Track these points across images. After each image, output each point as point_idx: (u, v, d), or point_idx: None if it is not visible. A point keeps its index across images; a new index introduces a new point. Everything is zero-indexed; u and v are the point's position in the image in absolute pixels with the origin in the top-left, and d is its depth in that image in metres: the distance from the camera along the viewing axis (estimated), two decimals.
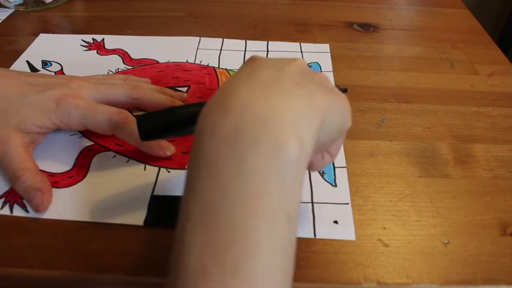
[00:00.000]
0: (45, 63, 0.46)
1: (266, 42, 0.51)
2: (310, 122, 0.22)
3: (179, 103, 0.39)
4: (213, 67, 0.47)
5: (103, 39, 0.51)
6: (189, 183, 0.22)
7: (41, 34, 0.51)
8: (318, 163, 0.28)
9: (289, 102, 0.21)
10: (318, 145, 0.24)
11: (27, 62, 0.46)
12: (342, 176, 0.35)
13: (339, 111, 0.25)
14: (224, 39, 0.51)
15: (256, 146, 0.20)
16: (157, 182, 0.33)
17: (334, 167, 0.35)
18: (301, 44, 0.52)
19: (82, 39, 0.51)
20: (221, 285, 0.18)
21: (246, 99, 0.21)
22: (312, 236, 0.30)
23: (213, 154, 0.20)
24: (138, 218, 0.31)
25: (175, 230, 0.21)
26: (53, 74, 0.45)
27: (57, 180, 0.33)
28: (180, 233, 0.20)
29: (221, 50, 0.50)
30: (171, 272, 0.20)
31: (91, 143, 0.37)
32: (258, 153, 0.20)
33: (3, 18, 0.55)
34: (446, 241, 0.30)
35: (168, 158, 0.35)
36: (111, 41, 0.51)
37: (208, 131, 0.21)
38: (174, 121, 0.29)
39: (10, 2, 0.57)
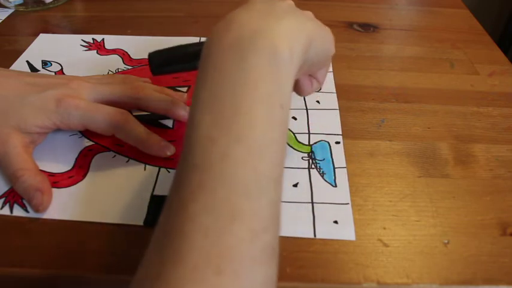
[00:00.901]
0: (45, 63, 0.46)
1: None
2: (299, 39, 0.26)
3: (179, 103, 0.39)
4: None
5: (103, 39, 0.51)
6: (198, 83, 0.25)
7: (41, 34, 0.51)
8: (307, 88, 0.33)
9: (281, 22, 0.26)
10: (306, 64, 0.28)
11: (27, 62, 0.46)
12: (342, 176, 0.35)
13: (323, 37, 0.30)
14: None
15: (254, 49, 0.24)
16: (157, 182, 0.33)
17: (334, 167, 0.35)
18: None
19: (82, 39, 0.51)
20: (226, 148, 0.22)
21: (245, 19, 0.26)
22: (312, 236, 0.30)
23: (218, 57, 0.25)
24: (138, 218, 0.31)
25: (188, 122, 0.24)
26: (53, 74, 0.45)
27: (57, 180, 0.33)
28: (191, 118, 0.24)
29: None
30: (182, 155, 0.23)
31: (91, 143, 0.37)
32: (257, 54, 0.24)
33: (3, 18, 0.55)
34: (446, 241, 0.30)
35: (168, 158, 0.35)
36: (111, 41, 0.51)
37: (214, 41, 0.26)
38: (182, 55, 0.33)
39: (10, 2, 0.57)
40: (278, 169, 0.23)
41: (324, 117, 0.40)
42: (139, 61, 0.47)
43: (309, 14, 0.31)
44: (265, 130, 0.23)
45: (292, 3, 0.29)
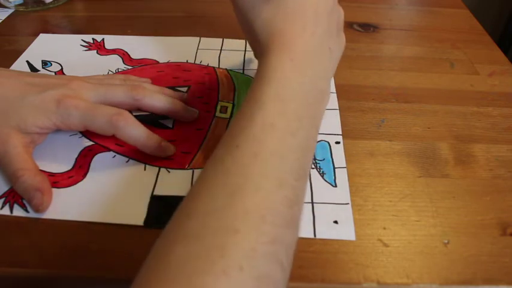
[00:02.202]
0: (45, 63, 0.46)
1: None
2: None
3: (179, 103, 0.39)
4: (213, 67, 0.47)
5: (103, 39, 0.51)
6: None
7: (41, 34, 0.51)
8: None
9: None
10: None
11: (27, 62, 0.46)
12: (342, 176, 0.35)
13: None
14: (224, 39, 0.51)
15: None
16: (157, 182, 0.34)
17: (334, 167, 0.35)
18: None
19: (82, 39, 0.51)
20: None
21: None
22: (312, 236, 0.30)
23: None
24: (138, 218, 0.31)
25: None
26: (53, 74, 0.45)
27: (57, 180, 0.33)
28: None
29: (221, 50, 0.50)
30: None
31: (91, 143, 0.37)
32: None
33: (3, 18, 0.55)
34: (446, 241, 0.30)
35: (168, 158, 0.35)
36: (111, 41, 0.51)
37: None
38: None
39: (10, 2, 0.57)
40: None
41: (324, 117, 0.40)
42: (139, 61, 0.47)
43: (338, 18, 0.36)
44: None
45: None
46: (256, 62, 0.48)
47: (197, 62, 0.47)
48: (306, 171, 0.27)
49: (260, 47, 0.32)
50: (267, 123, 0.26)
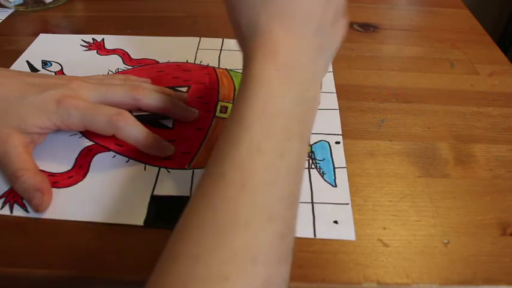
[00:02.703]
0: (45, 63, 0.46)
1: None
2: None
3: (179, 103, 0.39)
4: (213, 67, 0.47)
5: (103, 39, 0.51)
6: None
7: (41, 34, 0.51)
8: None
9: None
10: None
11: (27, 62, 0.46)
12: (342, 176, 0.35)
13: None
14: (224, 39, 0.51)
15: None
16: (157, 182, 0.34)
17: (334, 167, 0.35)
18: None
19: (82, 39, 0.51)
20: (272, 161, 0.25)
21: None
22: (312, 236, 0.30)
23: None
24: (138, 218, 0.31)
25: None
26: (53, 74, 0.45)
27: (57, 180, 0.33)
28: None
29: (221, 50, 0.50)
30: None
31: (91, 143, 0.37)
32: None
33: (3, 18, 0.55)
34: (446, 241, 0.30)
35: (168, 158, 0.35)
36: (111, 41, 0.51)
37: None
38: None
39: (10, 2, 0.57)
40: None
41: (324, 117, 0.40)
42: (139, 61, 0.47)
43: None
44: None
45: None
46: None
47: (197, 62, 0.47)
48: (297, 196, 0.26)
49: (244, 45, 0.30)
50: (253, 147, 0.24)
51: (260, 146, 0.24)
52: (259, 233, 0.22)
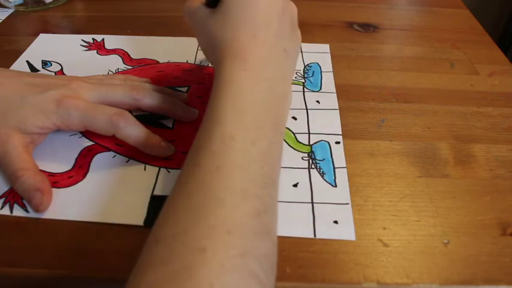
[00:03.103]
0: (45, 63, 0.46)
1: None
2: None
3: (179, 103, 0.39)
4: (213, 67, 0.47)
5: (103, 39, 0.51)
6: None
7: (41, 34, 0.51)
8: None
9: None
10: None
11: (27, 62, 0.46)
12: (342, 176, 0.35)
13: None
14: None
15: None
16: (157, 182, 0.34)
17: (334, 167, 0.35)
18: (301, 44, 0.52)
19: (82, 39, 0.51)
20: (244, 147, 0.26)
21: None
22: (312, 236, 0.30)
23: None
24: (138, 218, 0.31)
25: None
26: (53, 74, 0.45)
27: (57, 180, 0.33)
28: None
29: None
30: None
31: (91, 143, 0.37)
32: None
33: (3, 18, 0.55)
34: (446, 241, 0.30)
35: (168, 158, 0.35)
36: (111, 41, 0.51)
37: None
38: None
39: (10, 2, 0.57)
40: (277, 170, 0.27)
41: (324, 117, 0.40)
42: (139, 61, 0.47)
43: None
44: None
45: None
46: None
47: (197, 62, 0.47)
48: (274, 178, 0.27)
49: (214, 57, 0.32)
50: (226, 136, 0.26)
51: (232, 135, 0.26)
52: (234, 209, 0.23)
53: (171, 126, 0.39)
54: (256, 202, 0.24)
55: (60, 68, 0.46)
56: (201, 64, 0.47)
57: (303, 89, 0.44)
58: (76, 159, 0.35)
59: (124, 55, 0.48)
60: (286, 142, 0.37)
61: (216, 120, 0.27)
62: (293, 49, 0.35)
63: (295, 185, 0.34)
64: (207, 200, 0.23)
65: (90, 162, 0.35)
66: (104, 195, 0.32)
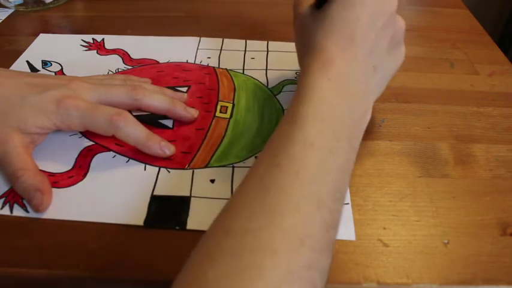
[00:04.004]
0: (45, 63, 0.46)
1: (266, 42, 0.51)
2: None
3: (179, 103, 0.39)
4: (213, 67, 0.47)
5: (103, 39, 0.51)
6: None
7: (41, 34, 0.51)
8: None
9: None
10: None
11: (27, 62, 0.46)
12: None
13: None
14: (224, 39, 0.51)
15: None
16: (157, 182, 0.33)
17: None
18: None
19: (82, 39, 0.51)
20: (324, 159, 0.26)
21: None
22: None
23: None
24: (138, 218, 0.31)
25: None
26: (53, 74, 0.45)
27: (57, 180, 0.33)
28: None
29: (221, 50, 0.50)
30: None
31: (91, 143, 0.37)
32: None
33: (3, 18, 0.55)
34: (446, 241, 0.30)
35: (168, 158, 0.35)
36: (111, 41, 0.51)
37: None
38: None
39: (10, 2, 0.57)
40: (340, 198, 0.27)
41: None
42: (139, 61, 0.47)
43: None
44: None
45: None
46: (256, 61, 0.48)
47: (197, 62, 0.47)
48: (343, 194, 0.27)
49: (304, 59, 0.32)
50: (307, 142, 0.26)
51: (313, 142, 0.26)
52: (309, 218, 0.23)
53: (171, 126, 0.39)
54: (328, 216, 0.24)
55: (60, 68, 0.46)
56: (201, 64, 0.47)
57: None
58: (76, 159, 0.35)
59: (124, 55, 0.48)
60: None
61: (298, 125, 0.27)
62: (385, 67, 0.34)
63: None
64: (283, 203, 0.23)
65: (90, 162, 0.35)
66: (104, 195, 0.32)
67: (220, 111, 0.40)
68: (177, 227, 0.30)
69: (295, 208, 0.23)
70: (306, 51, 0.32)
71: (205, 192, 0.33)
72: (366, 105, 0.31)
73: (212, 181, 0.34)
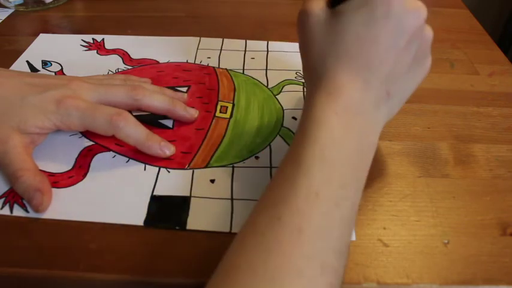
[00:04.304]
0: (45, 63, 0.46)
1: (266, 42, 0.51)
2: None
3: (179, 103, 0.39)
4: (213, 67, 0.47)
5: (103, 39, 0.51)
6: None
7: (41, 34, 0.51)
8: None
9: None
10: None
11: (27, 62, 0.46)
12: None
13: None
14: (224, 39, 0.51)
15: None
16: (157, 182, 0.33)
17: None
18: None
19: (82, 39, 0.51)
20: (330, 210, 0.24)
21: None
22: None
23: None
24: (138, 218, 0.31)
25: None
26: (53, 74, 0.45)
27: (57, 180, 0.33)
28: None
29: (221, 50, 0.50)
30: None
31: (91, 143, 0.37)
32: None
33: (3, 18, 0.55)
34: (446, 241, 0.30)
35: (168, 158, 0.35)
36: (111, 41, 0.51)
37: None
38: None
39: (10, 2, 0.57)
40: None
41: None
42: (139, 61, 0.47)
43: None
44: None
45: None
46: (256, 61, 0.48)
47: (197, 62, 0.47)
48: (348, 245, 0.25)
49: (309, 82, 0.29)
50: (311, 192, 0.24)
51: (318, 192, 0.24)
52: (311, 284, 0.22)
53: (171, 126, 0.39)
54: (332, 276, 0.23)
55: (60, 68, 0.46)
56: (201, 64, 0.47)
57: (303, 89, 0.44)
58: (76, 159, 0.35)
59: (124, 55, 0.48)
60: (286, 142, 0.37)
61: (302, 170, 0.24)
62: (403, 88, 0.30)
63: None
64: (285, 266, 0.22)
65: (90, 162, 0.35)
66: (104, 195, 0.32)
67: (220, 111, 0.40)
68: (177, 227, 0.30)
69: (297, 272, 0.21)
70: (312, 71, 0.29)
71: (205, 192, 0.33)
72: (374, 137, 0.28)
73: (212, 181, 0.34)
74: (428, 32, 0.29)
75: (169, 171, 0.34)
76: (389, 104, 0.29)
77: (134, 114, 0.36)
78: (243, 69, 0.46)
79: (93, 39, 0.51)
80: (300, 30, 0.30)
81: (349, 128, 0.26)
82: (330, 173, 0.25)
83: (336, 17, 0.28)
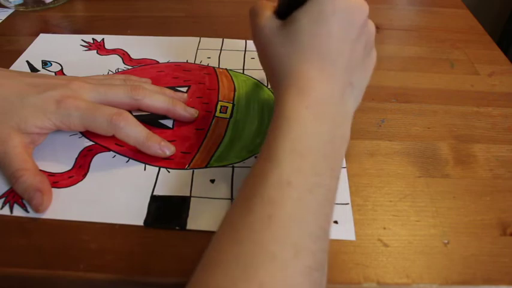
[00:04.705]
0: (45, 63, 0.46)
1: None
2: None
3: (179, 103, 0.39)
4: (213, 67, 0.47)
5: (103, 39, 0.51)
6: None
7: (41, 34, 0.51)
8: None
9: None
10: None
11: (27, 62, 0.46)
12: (342, 176, 0.35)
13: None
14: (224, 39, 0.51)
15: None
16: (157, 182, 0.34)
17: None
18: None
19: (82, 39, 0.51)
20: (302, 195, 0.24)
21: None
22: None
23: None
24: (138, 218, 0.31)
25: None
26: (53, 74, 0.45)
27: (57, 180, 0.33)
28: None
29: (221, 50, 0.50)
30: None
31: (91, 143, 0.37)
32: None
33: (3, 18, 0.55)
34: (446, 241, 0.30)
35: (168, 158, 0.35)
36: (111, 41, 0.51)
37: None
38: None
39: (10, 2, 0.57)
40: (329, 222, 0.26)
41: None
42: (139, 61, 0.47)
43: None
44: None
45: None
46: (256, 61, 0.48)
47: (197, 62, 0.47)
48: (326, 230, 0.25)
49: (277, 86, 0.30)
50: (283, 181, 0.24)
51: (289, 181, 0.24)
52: (285, 266, 0.22)
53: (171, 126, 0.39)
54: (309, 259, 0.23)
55: (60, 68, 0.46)
56: (201, 64, 0.47)
57: None
58: (76, 159, 0.35)
59: (124, 55, 0.48)
60: None
61: (273, 162, 0.25)
62: (360, 80, 0.32)
63: None
64: (257, 253, 0.22)
65: (90, 162, 0.35)
66: (104, 195, 0.32)
67: (220, 111, 0.40)
68: (177, 227, 0.30)
69: (270, 257, 0.22)
70: (278, 75, 0.30)
71: (205, 192, 0.33)
72: (346, 127, 0.30)
73: (212, 181, 0.34)
74: (372, 27, 0.33)
75: (169, 171, 0.34)
76: (354, 94, 0.31)
77: (134, 114, 0.36)
78: (243, 69, 0.46)
79: (93, 39, 0.51)
80: (257, 43, 0.33)
81: (320, 119, 0.27)
82: (301, 163, 0.25)
83: (288, 23, 0.30)
